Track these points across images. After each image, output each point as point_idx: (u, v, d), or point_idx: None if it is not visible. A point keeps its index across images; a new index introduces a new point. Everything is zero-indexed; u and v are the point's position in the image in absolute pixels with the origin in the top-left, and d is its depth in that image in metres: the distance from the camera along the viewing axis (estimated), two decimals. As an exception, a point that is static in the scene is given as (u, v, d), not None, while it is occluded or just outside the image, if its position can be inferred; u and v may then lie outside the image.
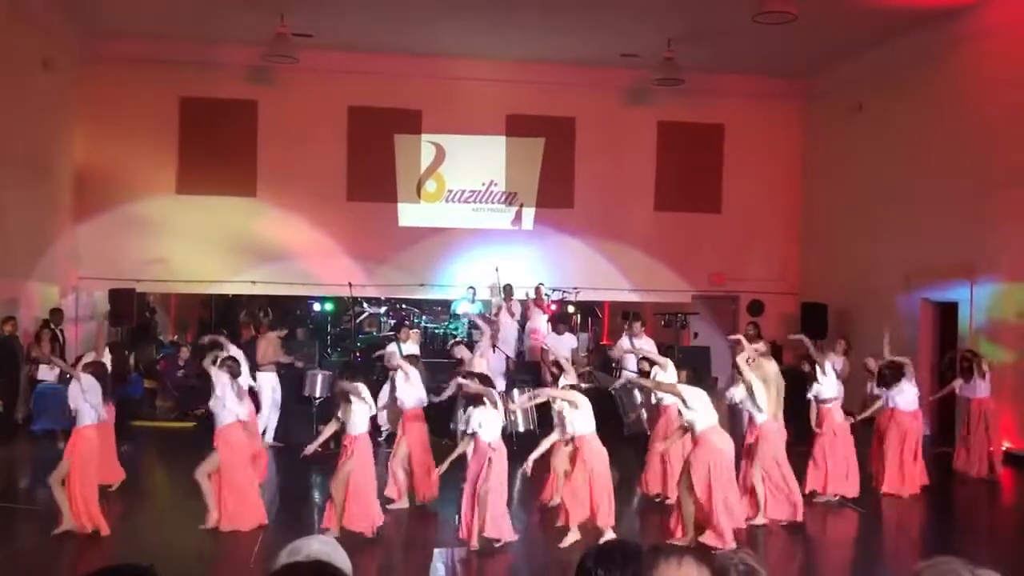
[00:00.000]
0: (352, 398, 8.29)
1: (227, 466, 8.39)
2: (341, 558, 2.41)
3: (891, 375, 10.40)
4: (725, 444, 8.12)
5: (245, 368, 10.13)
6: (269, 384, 12.40)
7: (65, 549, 7.91)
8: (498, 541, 7.95)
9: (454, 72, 16.81)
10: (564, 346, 13.40)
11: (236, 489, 8.40)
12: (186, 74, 16.09)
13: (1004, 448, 12.25)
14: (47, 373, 12.66)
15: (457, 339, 14.67)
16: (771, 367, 9.09)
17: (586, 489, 8.15)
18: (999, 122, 12.88)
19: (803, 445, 10.12)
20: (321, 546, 2.47)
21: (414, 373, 9.72)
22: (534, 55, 16.35)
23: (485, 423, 8.01)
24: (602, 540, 7.75)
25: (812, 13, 12.43)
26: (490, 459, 7.91)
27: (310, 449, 8.74)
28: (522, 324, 15.34)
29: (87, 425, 8.28)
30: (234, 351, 10.13)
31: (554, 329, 13.90)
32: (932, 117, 14.33)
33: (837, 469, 9.84)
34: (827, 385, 9.95)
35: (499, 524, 7.90)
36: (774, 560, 8.16)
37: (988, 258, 13.08)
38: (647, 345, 13.00)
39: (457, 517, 8.18)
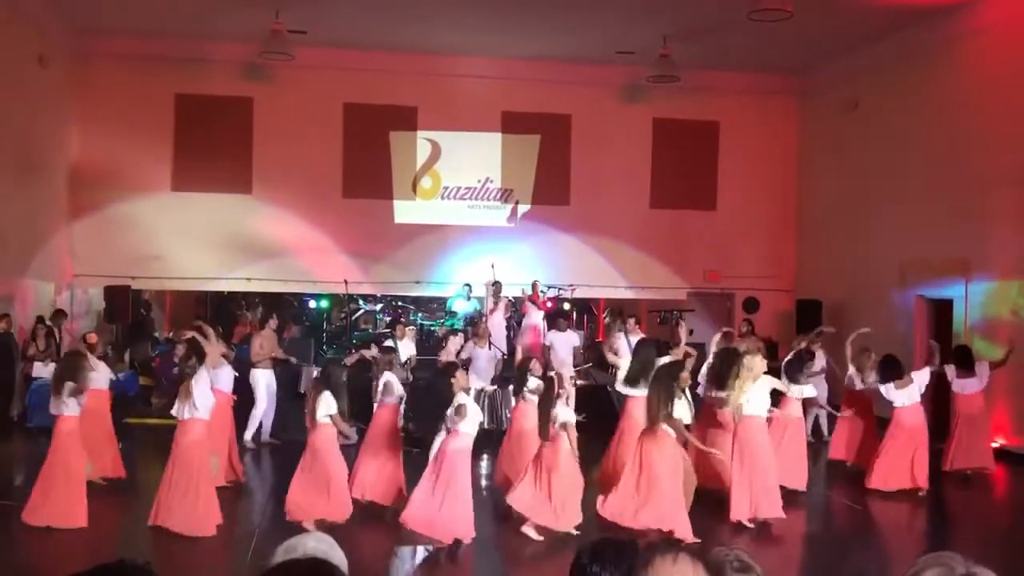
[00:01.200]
0: None
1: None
2: (337, 556, 2.42)
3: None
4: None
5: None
6: (264, 381, 12.38)
7: (60, 546, 7.89)
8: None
9: (450, 69, 16.79)
10: (566, 343, 13.32)
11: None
12: (181, 71, 16.07)
13: (999, 444, 12.31)
14: (42, 370, 12.65)
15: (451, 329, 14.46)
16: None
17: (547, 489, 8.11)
18: (995, 120, 12.90)
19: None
20: (317, 544, 2.47)
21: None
22: (530, 52, 16.35)
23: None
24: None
25: (807, 10, 12.43)
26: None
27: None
28: (518, 321, 15.33)
29: (58, 416, 8.31)
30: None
31: (553, 326, 13.83)
32: (928, 115, 14.35)
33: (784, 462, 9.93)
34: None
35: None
36: (768, 557, 8.17)
37: (983, 255, 13.11)
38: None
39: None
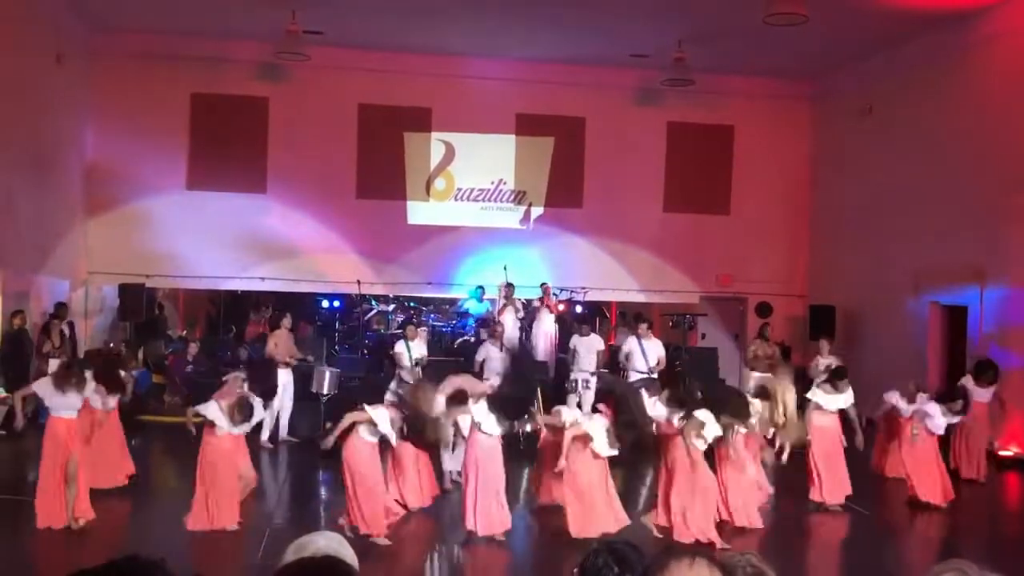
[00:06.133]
0: None
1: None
2: (348, 554, 2.41)
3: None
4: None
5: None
6: (280, 381, 12.37)
7: (72, 542, 7.94)
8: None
9: (464, 70, 16.82)
10: (589, 348, 13.23)
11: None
12: (197, 70, 16.13)
13: (1012, 453, 12.25)
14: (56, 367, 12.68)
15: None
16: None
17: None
18: (1010, 125, 12.82)
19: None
20: (327, 542, 2.47)
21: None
22: (544, 54, 16.35)
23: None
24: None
25: (823, 15, 12.39)
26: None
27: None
28: (528, 324, 15.30)
29: (49, 417, 8.37)
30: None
31: (576, 331, 13.76)
32: (942, 120, 14.28)
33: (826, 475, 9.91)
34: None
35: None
36: (779, 562, 8.13)
37: (998, 262, 13.02)
38: (655, 346, 12.97)
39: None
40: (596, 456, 8.21)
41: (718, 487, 8.81)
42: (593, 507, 8.14)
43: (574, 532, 8.06)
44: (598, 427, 8.21)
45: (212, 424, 8.36)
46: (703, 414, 8.34)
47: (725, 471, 8.86)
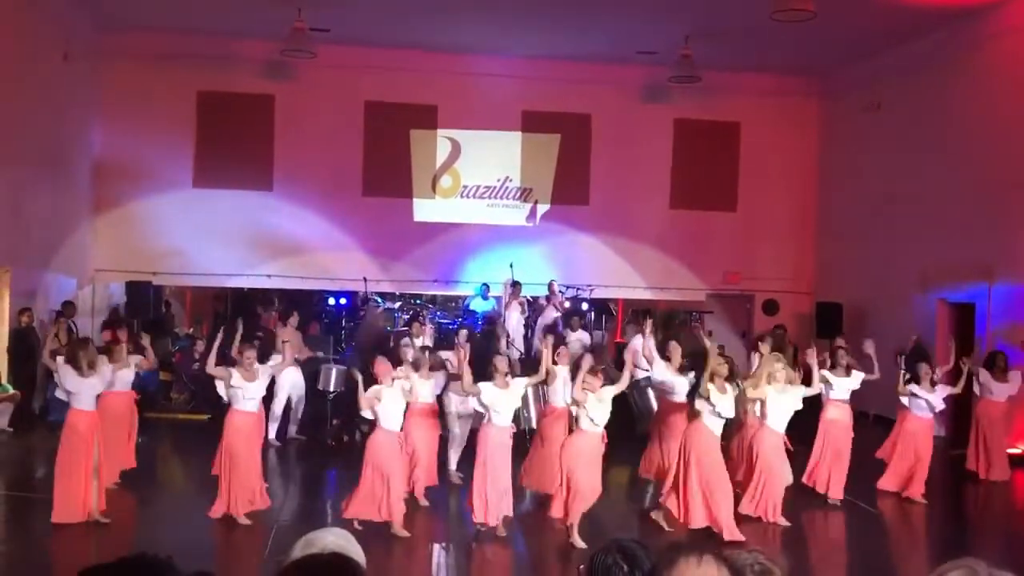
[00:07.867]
0: None
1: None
2: (356, 551, 2.42)
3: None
4: None
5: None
6: (288, 378, 12.36)
7: (80, 539, 7.95)
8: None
9: (470, 68, 16.80)
10: (576, 343, 13.29)
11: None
12: (204, 68, 16.16)
13: (1021, 451, 12.21)
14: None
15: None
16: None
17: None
18: (1019, 122, 12.78)
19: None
20: (335, 538, 2.48)
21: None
22: (550, 52, 16.33)
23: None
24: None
25: (830, 11, 12.35)
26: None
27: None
28: (533, 321, 15.30)
29: (70, 410, 8.33)
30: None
31: (567, 326, 13.78)
32: (951, 117, 14.23)
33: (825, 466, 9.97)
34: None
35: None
36: (787, 560, 8.13)
37: (1006, 259, 12.99)
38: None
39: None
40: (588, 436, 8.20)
41: (754, 476, 8.89)
42: (579, 491, 8.12)
43: (555, 513, 8.21)
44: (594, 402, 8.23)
45: (232, 406, 8.53)
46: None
47: (758, 460, 8.89)
